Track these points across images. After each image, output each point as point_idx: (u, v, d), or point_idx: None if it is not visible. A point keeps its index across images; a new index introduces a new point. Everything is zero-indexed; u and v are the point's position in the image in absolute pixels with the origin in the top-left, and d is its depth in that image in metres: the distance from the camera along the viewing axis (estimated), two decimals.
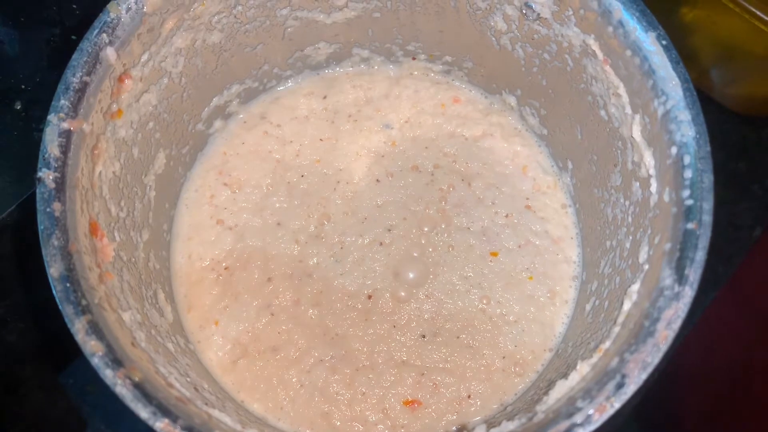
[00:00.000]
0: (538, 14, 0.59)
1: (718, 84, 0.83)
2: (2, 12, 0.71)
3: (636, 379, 0.44)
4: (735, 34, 0.76)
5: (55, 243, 0.47)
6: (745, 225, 0.83)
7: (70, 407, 0.75)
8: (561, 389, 0.49)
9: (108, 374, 0.44)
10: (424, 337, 0.63)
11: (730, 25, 0.74)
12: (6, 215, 0.65)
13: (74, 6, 0.73)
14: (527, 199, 0.68)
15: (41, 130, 0.49)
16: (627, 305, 0.50)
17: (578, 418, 0.44)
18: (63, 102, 0.50)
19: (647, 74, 0.51)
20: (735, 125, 0.86)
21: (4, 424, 0.73)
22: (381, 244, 0.66)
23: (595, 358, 0.48)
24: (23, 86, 0.69)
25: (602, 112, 0.58)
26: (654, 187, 0.52)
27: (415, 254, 0.66)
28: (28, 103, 0.69)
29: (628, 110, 0.55)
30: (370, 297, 0.64)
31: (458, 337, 0.63)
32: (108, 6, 0.53)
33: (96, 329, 0.45)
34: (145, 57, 0.56)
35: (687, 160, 0.49)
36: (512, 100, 0.71)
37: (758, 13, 0.70)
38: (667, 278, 0.46)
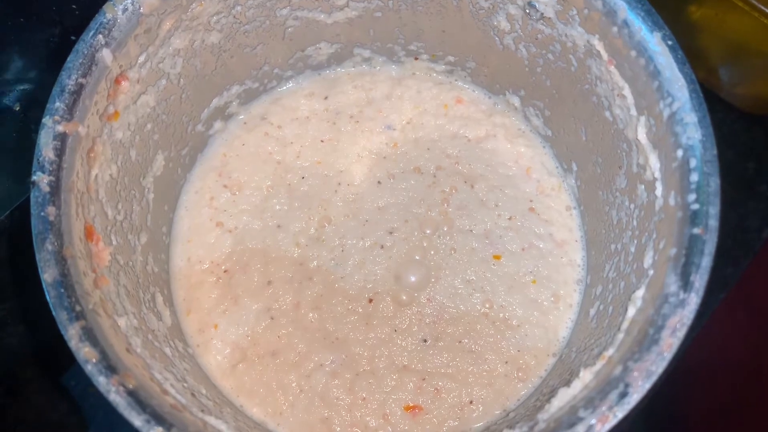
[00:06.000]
0: (542, 14, 0.58)
1: (726, 83, 0.82)
2: (1, 12, 0.70)
3: (640, 388, 0.43)
4: (743, 32, 0.75)
5: (49, 248, 0.46)
6: (753, 226, 0.82)
7: (72, 409, 0.75)
8: (563, 397, 0.48)
9: (102, 381, 0.44)
10: (425, 341, 0.62)
11: (738, 23, 0.73)
12: (4, 217, 0.65)
13: (74, 6, 0.72)
14: (531, 201, 0.67)
15: None
16: (631, 311, 0.49)
17: (580, 428, 0.43)
18: (58, 104, 0.49)
19: (653, 75, 0.50)
20: (743, 125, 0.84)
21: (6, 426, 0.73)
22: (382, 247, 0.66)
23: (598, 366, 0.48)
24: (22, 87, 0.69)
25: (607, 113, 0.57)
26: (659, 190, 0.51)
27: (417, 257, 0.65)
28: (26, 104, 0.69)
29: (633, 112, 0.53)
30: (371, 300, 0.64)
31: (460, 342, 0.62)
32: (104, 7, 0.52)
33: (90, 335, 0.45)
34: (142, 58, 0.55)
35: (693, 163, 0.47)
36: (516, 101, 0.70)
37: (767, 10, 0.69)
38: (672, 285, 0.45)
